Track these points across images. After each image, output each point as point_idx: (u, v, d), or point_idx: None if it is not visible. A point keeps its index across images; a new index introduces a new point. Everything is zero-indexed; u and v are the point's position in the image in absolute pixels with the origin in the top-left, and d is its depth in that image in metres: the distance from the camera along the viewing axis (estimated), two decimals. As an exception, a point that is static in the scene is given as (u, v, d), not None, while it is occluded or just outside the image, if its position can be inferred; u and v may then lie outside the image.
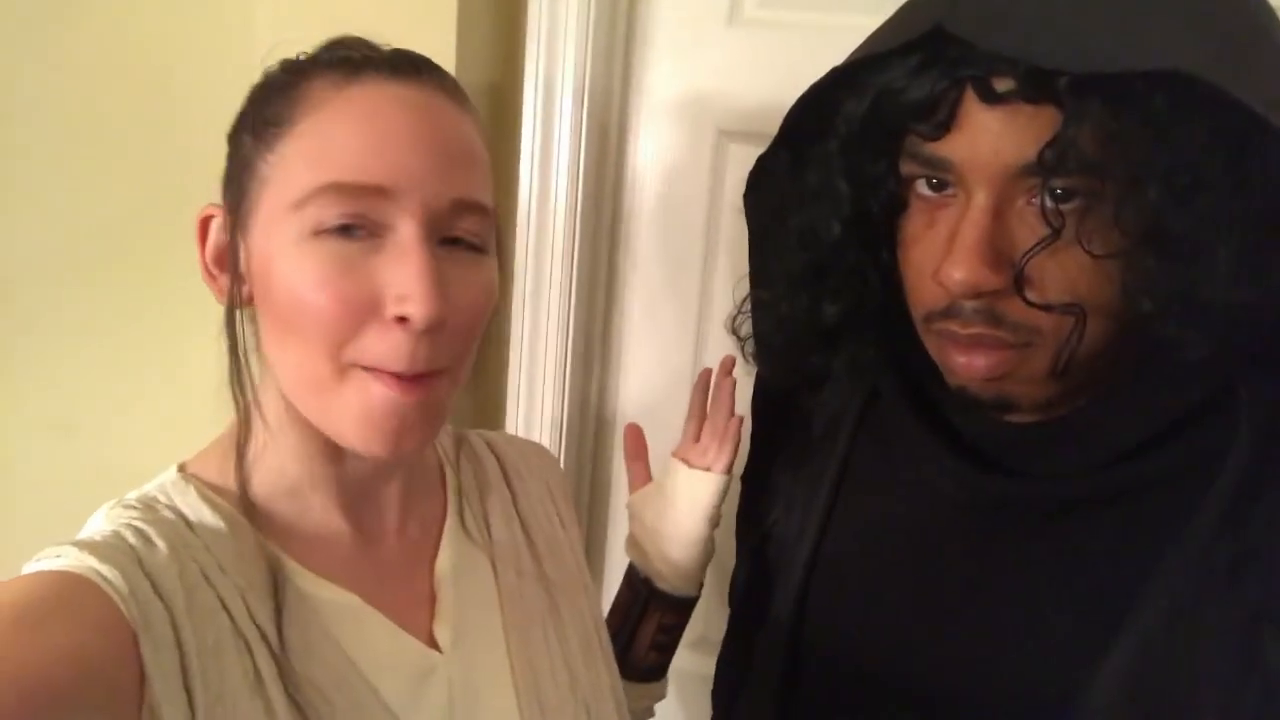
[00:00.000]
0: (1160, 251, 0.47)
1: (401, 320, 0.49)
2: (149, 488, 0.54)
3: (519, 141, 0.97)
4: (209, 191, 0.55)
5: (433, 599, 0.60)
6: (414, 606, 0.59)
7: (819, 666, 0.66)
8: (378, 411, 0.50)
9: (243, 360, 0.53)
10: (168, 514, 0.52)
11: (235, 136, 0.54)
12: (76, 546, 0.46)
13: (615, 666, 0.69)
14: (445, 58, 0.88)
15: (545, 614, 0.65)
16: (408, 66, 0.52)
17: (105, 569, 0.45)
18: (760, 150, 0.63)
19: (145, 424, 1.07)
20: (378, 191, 0.49)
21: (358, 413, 0.50)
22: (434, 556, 0.62)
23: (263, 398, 0.55)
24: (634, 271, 1.03)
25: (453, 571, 0.62)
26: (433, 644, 0.58)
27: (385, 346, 0.49)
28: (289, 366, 0.52)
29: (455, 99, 0.54)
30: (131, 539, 0.48)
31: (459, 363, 0.53)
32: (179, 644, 0.46)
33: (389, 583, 0.58)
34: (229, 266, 0.53)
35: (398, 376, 0.50)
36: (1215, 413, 0.53)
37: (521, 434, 1.02)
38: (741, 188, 0.94)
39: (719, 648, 0.79)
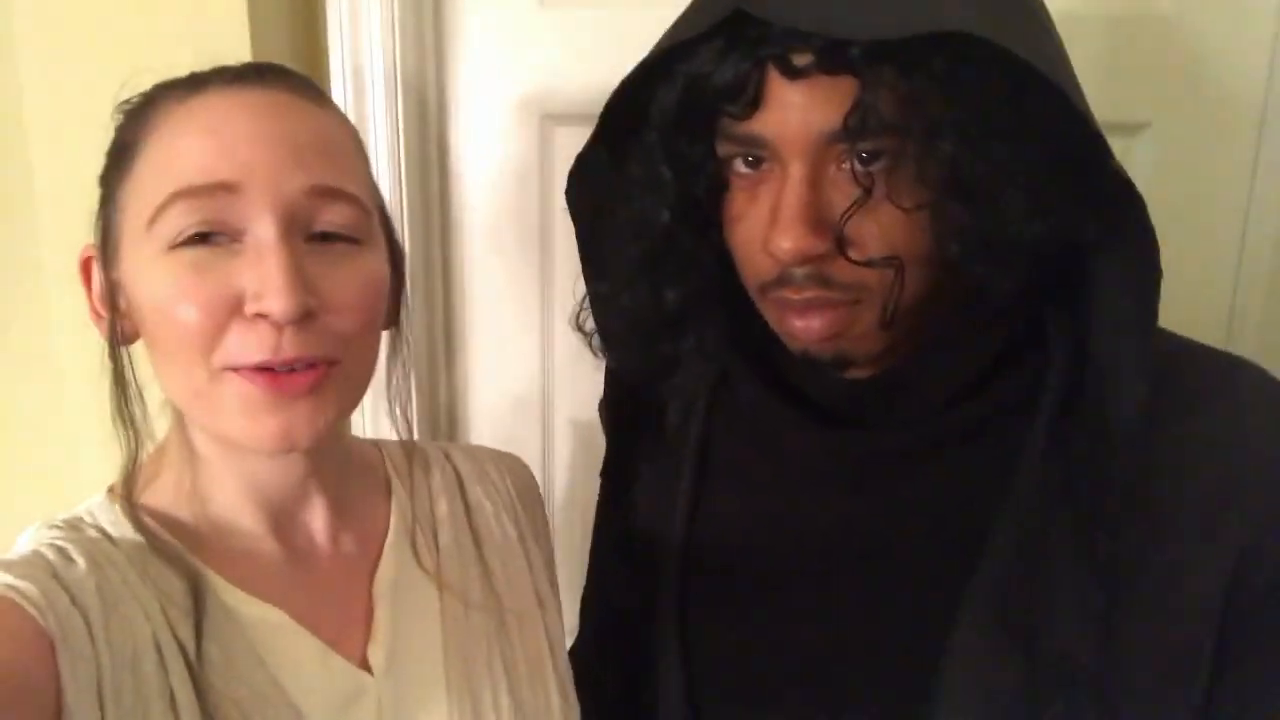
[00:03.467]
0: (961, 199, 0.51)
1: (261, 316, 0.48)
2: (78, 510, 0.55)
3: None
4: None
5: (369, 617, 0.58)
6: (348, 625, 0.58)
7: (709, 647, 0.67)
8: (258, 409, 0.50)
9: (131, 392, 0.54)
10: (91, 532, 0.53)
11: (103, 174, 0.54)
12: None
13: (571, 690, 0.67)
14: (240, 55, 0.83)
15: (491, 636, 0.63)
16: (251, 74, 0.52)
17: (21, 584, 0.46)
18: (586, 131, 0.63)
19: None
20: (224, 188, 0.48)
21: (237, 413, 0.50)
22: (373, 572, 0.60)
23: (171, 422, 0.56)
24: (470, 265, 1.01)
25: (392, 589, 0.60)
26: (365, 665, 0.57)
27: (250, 339, 0.49)
28: (172, 384, 0.52)
29: (308, 96, 0.53)
30: (49, 555, 0.49)
31: (351, 353, 0.53)
32: (96, 658, 0.46)
33: (321, 600, 0.57)
34: (107, 303, 0.53)
35: (269, 374, 0.49)
36: (1030, 351, 0.58)
37: (370, 436, 0.98)
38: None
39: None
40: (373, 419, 0.94)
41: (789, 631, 0.63)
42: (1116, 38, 0.85)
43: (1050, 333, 0.57)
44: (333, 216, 0.51)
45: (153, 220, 0.49)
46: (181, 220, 0.48)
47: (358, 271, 0.52)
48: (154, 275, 0.50)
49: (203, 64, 0.57)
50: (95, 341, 0.54)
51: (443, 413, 1.04)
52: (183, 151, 0.49)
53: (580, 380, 1.00)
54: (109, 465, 0.55)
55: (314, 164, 0.50)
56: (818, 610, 0.62)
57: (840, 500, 0.62)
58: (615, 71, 0.57)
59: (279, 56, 0.88)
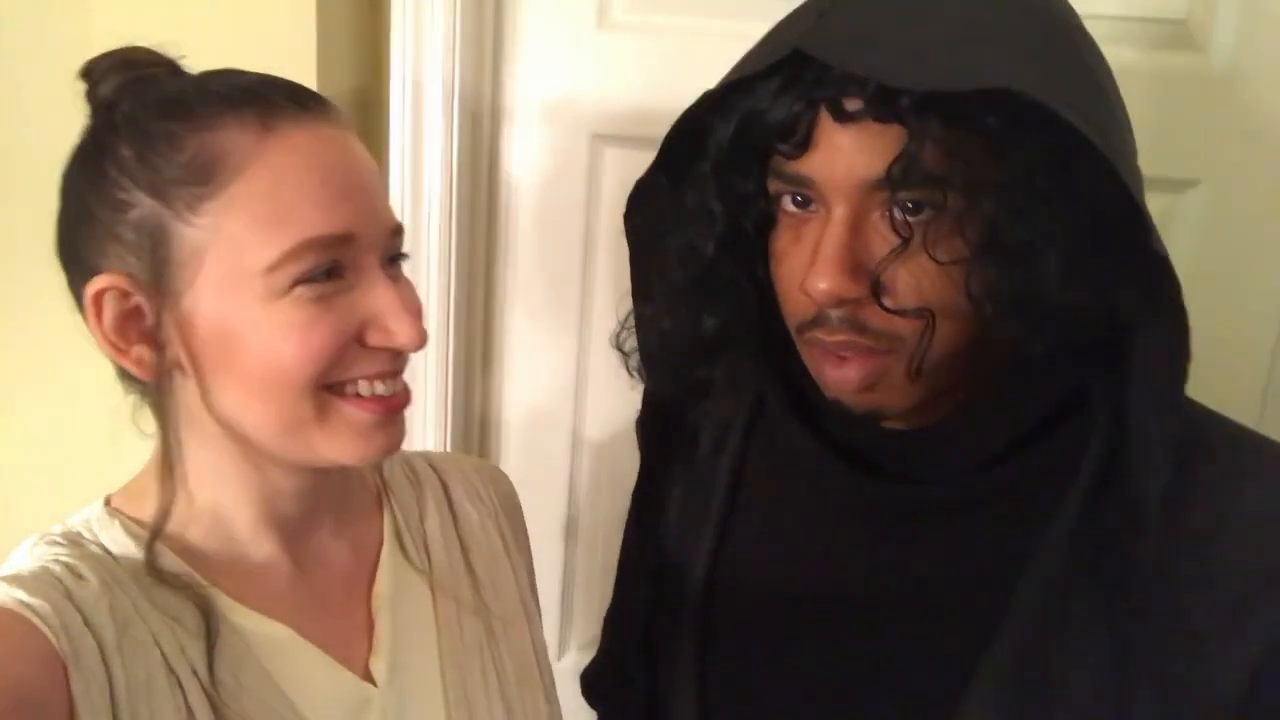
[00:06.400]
0: (998, 258, 0.51)
1: (382, 348, 0.53)
2: (73, 522, 0.54)
3: (387, 147, 0.95)
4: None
5: (370, 628, 0.60)
6: (350, 637, 0.59)
7: (723, 681, 0.67)
8: (372, 429, 0.53)
9: (173, 440, 0.53)
10: (94, 549, 0.52)
11: (109, 195, 0.49)
12: (4, 581, 0.47)
13: (555, 696, 0.68)
14: (306, 63, 0.86)
15: (482, 643, 0.64)
16: (312, 102, 0.53)
17: (35, 602, 0.45)
18: (634, 153, 0.64)
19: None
20: (347, 240, 0.51)
21: (349, 436, 0.53)
22: (371, 583, 0.61)
23: (188, 450, 0.54)
24: (513, 278, 1.03)
25: (390, 599, 0.61)
26: (368, 677, 0.58)
27: (372, 365, 0.53)
28: (259, 419, 0.52)
29: (351, 128, 0.56)
30: (60, 573, 0.48)
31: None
32: (109, 679, 0.46)
33: (324, 614, 0.58)
34: (150, 339, 0.51)
35: (381, 399, 0.53)
36: (1074, 414, 0.57)
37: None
38: (617, 190, 0.96)
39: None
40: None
41: (803, 674, 0.63)
42: (1168, 93, 0.85)
43: (1094, 400, 0.56)
44: (398, 244, 0.56)
45: (273, 268, 0.49)
46: (308, 264, 0.49)
47: (412, 286, 0.57)
48: (272, 315, 0.49)
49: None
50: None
51: (475, 421, 1.06)
52: (292, 199, 0.49)
53: (611, 398, 1.01)
54: (107, 461, 0.55)
55: (387, 205, 0.56)
56: (833, 655, 0.62)
57: (867, 548, 0.62)
58: (666, 96, 0.58)
59: (343, 67, 0.91)
